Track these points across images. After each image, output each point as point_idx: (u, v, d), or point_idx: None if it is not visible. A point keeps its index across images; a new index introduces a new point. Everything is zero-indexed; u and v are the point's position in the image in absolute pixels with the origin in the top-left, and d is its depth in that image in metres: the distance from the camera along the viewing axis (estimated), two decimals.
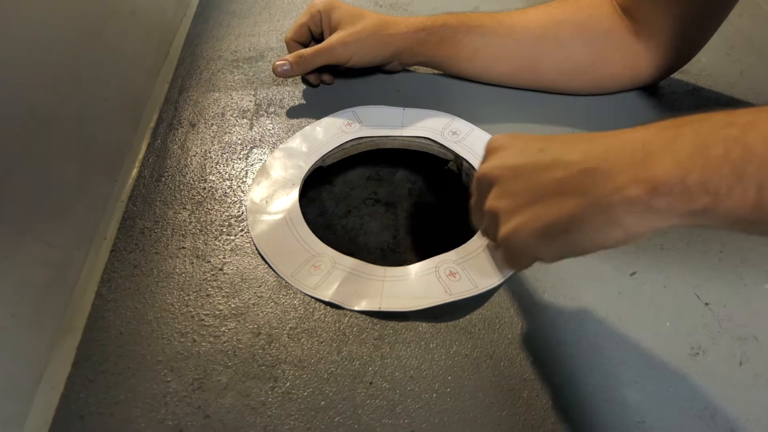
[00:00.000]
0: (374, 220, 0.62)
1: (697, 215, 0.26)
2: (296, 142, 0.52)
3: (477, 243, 0.43)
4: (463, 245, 0.43)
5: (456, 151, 0.51)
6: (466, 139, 0.52)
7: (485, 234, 0.40)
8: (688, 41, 0.53)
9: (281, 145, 0.52)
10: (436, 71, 0.61)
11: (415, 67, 0.62)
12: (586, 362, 0.36)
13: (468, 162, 0.51)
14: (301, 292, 0.40)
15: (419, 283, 0.40)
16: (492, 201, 0.33)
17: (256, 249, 0.43)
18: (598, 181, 0.28)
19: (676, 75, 0.59)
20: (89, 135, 0.48)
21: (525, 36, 0.55)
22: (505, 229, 0.32)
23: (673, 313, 0.39)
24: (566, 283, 0.41)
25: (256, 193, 0.47)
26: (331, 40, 0.55)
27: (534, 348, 0.37)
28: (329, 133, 0.53)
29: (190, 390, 0.35)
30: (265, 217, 0.45)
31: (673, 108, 0.56)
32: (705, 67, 0.62)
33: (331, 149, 0.51)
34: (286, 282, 0.41)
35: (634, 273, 0.42)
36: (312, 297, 0.40)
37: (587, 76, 0.56)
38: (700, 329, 0.38)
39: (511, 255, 0.33)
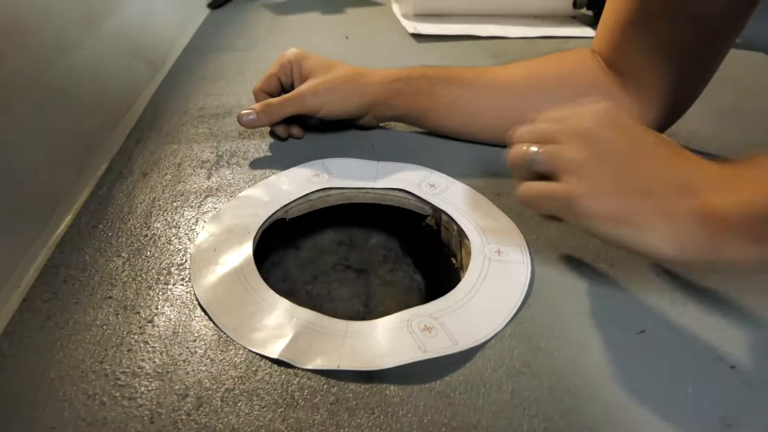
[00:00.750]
0: (343, 287, 0.55)
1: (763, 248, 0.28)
2: (257, 191, 0.47)
3: (456, 295, 0.37)
4: (441, 297, 0.37)
5: (435, 204, 0.46)
6: (445, 192, 0.47)
7: (529, 165, 0.36)
8: (676, 95, 0.50)
9: (239, 194, 0.46)
10: (413, 128, 0.58)
11: (392, 124, 0.59)
12: None
13: (448, 215, 0.45)
14: (245, 348, 0.33)
15: (388, 338, 0.33)
16: (580, 153, 0.33)
17: (196, 299, 0.36)
18: (674, 198, 0.31)
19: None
20: (21, 176, 0.43)
21: (508, 88, 0.52)
22: (581, 189, 0.32)
23: (693, 378, 0.32)
24: (566, 338, 0.34)
25: (204, 240, 0.41)
26: (301, 88, 0.52)
27: (530, 418, 0.30)
28: (295, 184, 0.48)
29: None
30: (212, 267, 0.39)
31: None
32: (695, 130, 0.59)
33: (294, 199, 0.46)
34: (228, 337, 0.34)
35: (642, 331, 0.35)
36: (257, 354, 0.32)
37: None
38: (729, 395, 0.31)
39: (560, 205, 0.33)
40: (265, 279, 0.38)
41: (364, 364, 0.32)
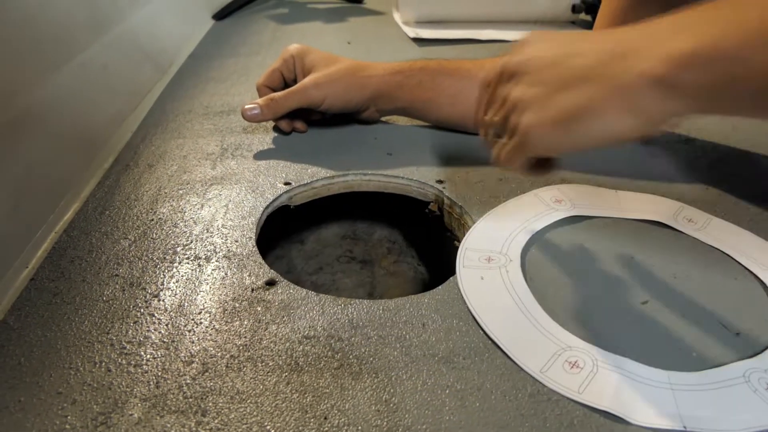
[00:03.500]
0: (348, 277, 0.55)
1: (722, 89, 0.25)
2: (492, 222, 0.43)
3: None
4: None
5: (701, 240, 0.41)
6: (707, 228, 0.43)
7: (497, 132, 0.36)
8: None
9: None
10: (416, 122, 0.58)
11: (394, 117, 0.59)
12: None
13: (451, 199, 0.46)
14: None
15: (727, 396, 0.29)
16: (517, 91, 0.32)
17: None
18: (621, 64, 0.27)
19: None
20: (30, 166, 0.43)
21: None
22: (526, 119, 0.31)
23: (698, 343, 0.32)
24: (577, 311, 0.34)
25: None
26: (304, 81, 0.53)
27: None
28: (535, 211, 0.44)
29: (92, 426, 0.27)
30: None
31: (669, 154, 0.53)
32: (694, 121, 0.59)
33: (543, 226, 0.42)
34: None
35: (646, 302, 0.35)
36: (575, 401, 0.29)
37: None
38: (713, 355, 0.31)
39: (517, 147, 0.32)
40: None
41: (717, 425, 0.27)
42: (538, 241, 0.41)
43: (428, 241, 0.56)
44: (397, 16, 1.02)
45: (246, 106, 0.53)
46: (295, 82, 0.56)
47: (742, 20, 0.24)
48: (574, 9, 0.94)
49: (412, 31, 0.91)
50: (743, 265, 0.38)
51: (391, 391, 0.29)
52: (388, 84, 0.53)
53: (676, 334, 0.33)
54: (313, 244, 0.57)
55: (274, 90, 0.56)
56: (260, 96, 0.56)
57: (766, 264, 0.38)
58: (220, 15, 1.03)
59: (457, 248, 0.45)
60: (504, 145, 0.34)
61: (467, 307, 0.34)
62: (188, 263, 0.38)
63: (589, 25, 0.97)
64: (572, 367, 0.30)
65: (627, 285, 0.37)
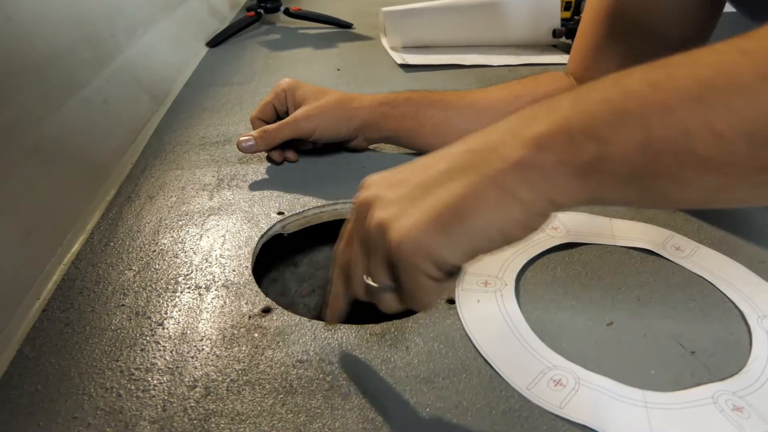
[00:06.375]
0: None
1: (590, 172, 0.24)
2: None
3: (752, 374, 0.35)
4: (743, 372, 0.35)
5: (688, 269, 0.44)
6: (693, 256, 0.46)
7: (372, 275, 0.30)
8: None
9: None
10: (402, 149, 0.62)
11: (381, 145, 0.63)
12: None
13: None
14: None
15: (695, 416, 0.32)
16: (376, 216, 0.28)
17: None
18: (485, 156, 0.26)
19: None
20: (38, 201, 0.46)
21: (487, 109, 0.56)
22: (396, 234, 0.27)
23: (657, 362, 0.35)
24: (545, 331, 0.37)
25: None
26: (295, 113, 0.56)
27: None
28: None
29: None
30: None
31: None
32: None
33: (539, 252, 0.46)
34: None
35: (611, 323, 0.38)
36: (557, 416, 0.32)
37: None
38: (689, 377, 0.34)
39: (408, 269, 0.27)
40: (265, 294, 0.40)
41: None
42: (532, 266, 0.44)
43: None
44: (384, 41, 1.06)
45: (241, 138, 0.56)
46: (286, 114, 0.59)
47: (588, 99, 0.25)
48: (555, 34, 0.98)
49: (399, 57, 0.95)
50: (723, 293, 0.41)
51: (377, 410, 0.32)
52: (374, 115, 0.56)
53: (653, 356, 0.36)
54: (306, 267, 0.60)
55: (267, 122, 0.59)
56: (254, 128, 0.59)
57: (746, 293, 0.42)
58: (214, 42, 1.06)
59: None
60: (389, 290, 0.29)
61: (463, 328, 0.38)
62: (189, 292, 0.41)
63: (569, 49, 1.01)
64: (556, 384, 0.34)
65: (611, 309, 0.40)
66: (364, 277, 0.30)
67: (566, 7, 1.04)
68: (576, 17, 1.02)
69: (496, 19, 0.99)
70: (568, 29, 0.99)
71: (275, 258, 0.59)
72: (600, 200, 0.26)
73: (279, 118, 0.60)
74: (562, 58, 0.96)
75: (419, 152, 0.60)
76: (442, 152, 0.30)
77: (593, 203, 0.26)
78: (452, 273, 0.28)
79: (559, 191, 0.25)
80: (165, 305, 0.40)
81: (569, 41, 1.03)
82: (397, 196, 0.28)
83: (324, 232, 0.54)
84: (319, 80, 0.88)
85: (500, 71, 0.91)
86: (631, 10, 0.52)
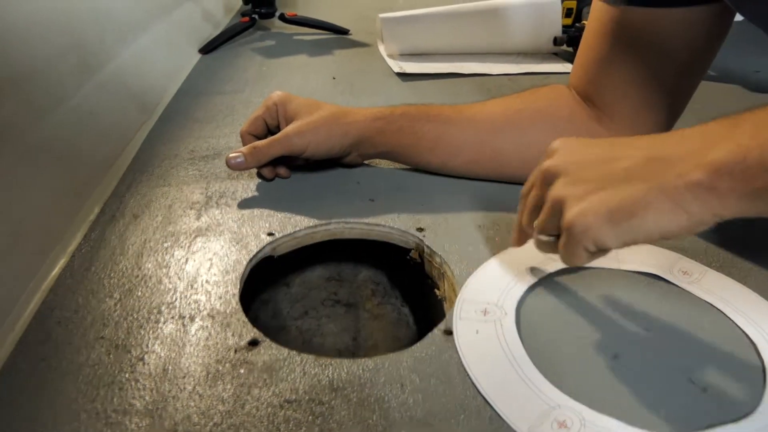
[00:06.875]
0: (332, 322, 0.56)
1: (761, 196, 0.28)
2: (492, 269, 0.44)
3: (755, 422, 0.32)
4: (758, 412, 0.32)
5: (696, 295, 0.42)
6: (701, 281, 0.44)
7: (542, 229, 0.38)
8: (650, 125, 0.52)
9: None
10: (398, 165, 0.60)
11: (376, 161, 0.61)
12: None
13: (430, 248, 0.47)
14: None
15: None
16: (558, 190, 0.34)
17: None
18: (663, 169, 0.30)
19: None
20: (16, 222, 0.44)
21: (486, 124, 0.54)
22: (571, 213, 0.32)
23: (667, 400, 0.33)
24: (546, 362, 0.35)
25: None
26: (287, 129, 0.54)
27: None
28: (527, 260, 0.44)
29: None
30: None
31: None
32: None
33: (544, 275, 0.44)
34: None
35: (616, 356, 0.36)
36: None
37: None
38: (701, 417, 0.32)
39: (573, 241, 0.33)
40: (256, 317, 0.39)
41: None
42: (534, 292, 0.42)
43: (411, 284, 0.57)
44: (381, 48, 1.04)
45: (230, 155, 0.54)
46: (278, 128, 0.57)
47: (765, 135, 0.28)
48: (556, 41, 0.96)
49: (396, 65, 0.93)
50: (734, 322, 0.39)
51: None
52: (369, 130, 0.54)
53: (662, 393, 0.34)
54: (298, 287, 0.58)
55: (258, 137, 0.57)
56: (244, 143, 0.57)
57: (755, 319, 0.40)
58: (207, 48, 1.04)
59: (437, 297, 0.46)
60: (554, 245, 0.36)
61: (461, 361, 0.36)
62: (173, 323, 0.39)
63: (570, 57, 0.99)
64: (560, 426, 0.31)
65: (617, 340, 0.38)
66: (534, 224, 0.38)
67: (567, 13, 1.02)
68: (577, 24, 1.00)
69: (495, 26, 0.97)
70: (569, 36, 0.97)
71: (267, 277, 0.57)
72: (763, 215, 0.29)
73: (270, 132, 0.58)
74: (563, 67, 0.94)
75: (416, 168, 0.58)
76: (625, 147, 0.34)
77: (756, 216, 0.30)
78: (604, 250, 0.34)
79: (726, 209, 0.29)
80: (146, 337, 0.38)
81: (570, 49, 1.01)
82: (579, 179, 0.34)
83: (318, 250, 0.52)
84: (313, 88, 0.86)
85: (500, 80, 0.89)
86: (636, 21, 0.50)
